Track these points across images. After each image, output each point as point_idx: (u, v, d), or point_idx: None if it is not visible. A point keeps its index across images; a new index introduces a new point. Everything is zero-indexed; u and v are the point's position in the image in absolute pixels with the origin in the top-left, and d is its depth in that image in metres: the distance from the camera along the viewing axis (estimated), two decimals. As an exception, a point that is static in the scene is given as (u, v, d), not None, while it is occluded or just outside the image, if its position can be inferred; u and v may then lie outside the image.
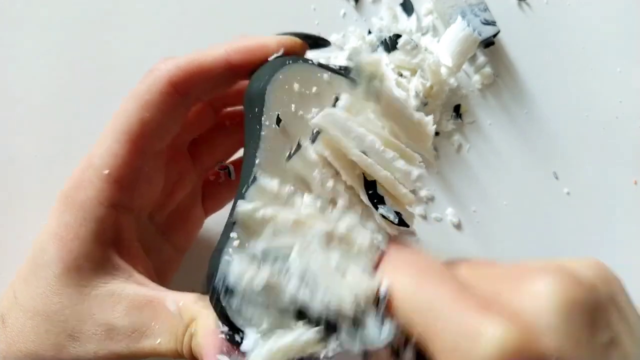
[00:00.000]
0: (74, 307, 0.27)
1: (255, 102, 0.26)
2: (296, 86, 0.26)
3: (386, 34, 0.43)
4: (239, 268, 0.23)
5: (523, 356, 0.20)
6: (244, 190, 0.25)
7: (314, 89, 0.27)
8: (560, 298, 0.21)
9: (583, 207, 0.45)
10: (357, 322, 0.24)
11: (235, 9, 0.43)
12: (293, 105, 0.26)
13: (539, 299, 0.21)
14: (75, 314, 0.27)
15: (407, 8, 0.45)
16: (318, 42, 0.31)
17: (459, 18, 0.43)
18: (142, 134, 0.28)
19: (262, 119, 0.25)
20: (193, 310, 0.26)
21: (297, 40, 0.29)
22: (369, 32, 0.44)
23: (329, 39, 0.31)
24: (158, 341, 0.26)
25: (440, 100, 0.43)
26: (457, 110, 0.44)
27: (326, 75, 0.27)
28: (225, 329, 0.24)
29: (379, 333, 0.24)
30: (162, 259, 0.33)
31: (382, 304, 0.24)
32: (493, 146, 0.45)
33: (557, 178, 0.45)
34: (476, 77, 0.45)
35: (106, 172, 0.28)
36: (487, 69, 0.45)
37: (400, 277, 0.24)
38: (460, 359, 0.21)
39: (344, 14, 0.45)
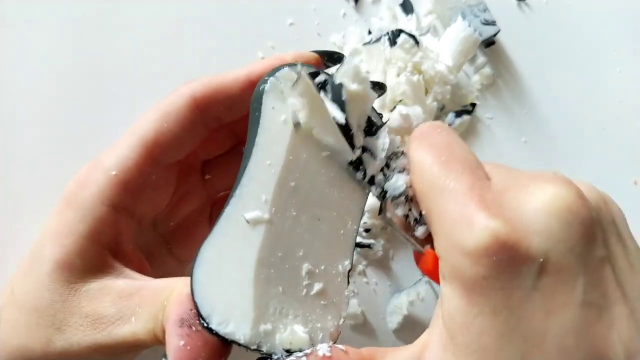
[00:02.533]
0: (63, 302, 0.27)
1: (254, 103, 0.26)
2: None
3: (388, 30, 0.43)
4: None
5: (509, 249, 0.21)
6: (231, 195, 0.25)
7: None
8: (561, 204, 0.21)
9: (583, 207, 0.45)
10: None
11: (235, 10, 0.43)
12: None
13: (541, 201, 0.22)
14: (64, 308, 0.27)
15: (407, 8, 0.45)
16: (333, 57, 0.31)
17: (459, 19, 0.43)
18: (157, 143, 0.28)
19: (260, 119, 0.26)
20: (171, 286, 0.26)
21: (313, 54, 0.30)
22: (369, 32, 0.44)
23: (342, 53, 0.32)
24: (138, 325, 0.26)
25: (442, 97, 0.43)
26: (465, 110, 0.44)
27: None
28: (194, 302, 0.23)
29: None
30: (165, 269, 0.33)
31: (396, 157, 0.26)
32: (493, 146, 0.45)
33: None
34: (476, 78, 0.45)
35: (114, 172, 0.28)
36: (487, 69, 0.45)
37: (427, 151, 0.25)
38: (452, 243, 0.22)
39: (344, 14, 0.45)
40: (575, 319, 0.21)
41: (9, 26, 0.41)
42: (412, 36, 0.41)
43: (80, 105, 0.40)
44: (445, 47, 0.43)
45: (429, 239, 0.26)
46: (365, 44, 0.43)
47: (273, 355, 0.24)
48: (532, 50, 0.47)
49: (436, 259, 0.25)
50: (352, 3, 0.45)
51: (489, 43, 0.45)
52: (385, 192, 0.26)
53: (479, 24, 0.44)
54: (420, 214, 0.26)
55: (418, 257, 0.29)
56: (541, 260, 0.21)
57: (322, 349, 0.24)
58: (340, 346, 0.24)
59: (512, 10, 0.47)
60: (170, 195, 0.32)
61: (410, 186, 0.26)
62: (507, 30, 0.45)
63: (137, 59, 0.41)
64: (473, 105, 0.44)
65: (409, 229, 0.27)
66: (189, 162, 0.33)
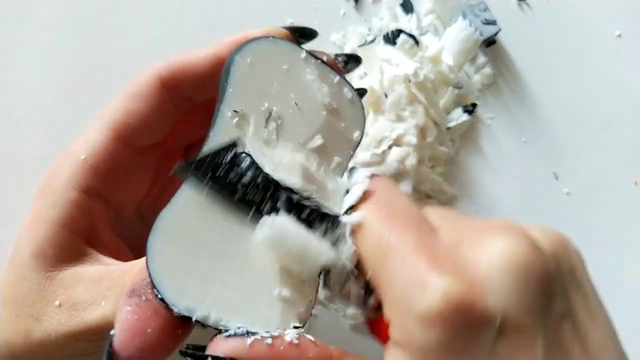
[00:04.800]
0: (40, 292, 0.27)
1: (223, 75, 0.25)
2: (263, 60, 0.26)
3: (385, 31, 0.43)
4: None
5: (465, 312, 0.19)
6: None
7: (285, 66, 0.26)
8: (516, 260, 0.20)
9: (583, 207, 0.45)
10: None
11: (235, 9, 0.43)
12: (257, 79, 0.25)
13: (495, 257, 0.20)
14: (41, 298, 0.27)
15: (407, 8, 0.45)
16: (305, 33, 0.30)
17: (460, 18, 0.43)
18: (125, 125, 0.28)
19: (227, 91, 0.25)
20: (136, 264, 0.25)
21: (282, 30, 0.29)
22: (369, 32, 0.44)
23: (316, 29, 0.31)
24: (108, 307, 0.25)
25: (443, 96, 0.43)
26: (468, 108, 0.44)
27: (303, 54, 0.27)
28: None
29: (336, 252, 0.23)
30: None
31: (346, 233, 0.23)
32: (493, 146, 0.45)
33: (557, 178, 0.45)
34: (476, 77, 0.45)
35: (83, 157, 0.27)
36: (487, 69, 0.45)
37: (370, 213, 0.23)
38: (402, 308, 0.20)
39: (344, 13, 0.45)
40: None
41: (9, 26, 0.41)
42: (412, 36, 0.41)
43: (80, 105, 0.40)
44: (446, 47, 0.43)
45: (378, 306, 0.24)
46: (360, 46, 0.43)
47: (230, 330, 0.22)
48: (532, 49, 0.46)
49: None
50: (352, 3, 0.45)
51: (490, 43, 0.45)
52: (328, 271, 0.24)
53: (479, 24, 0.44)
54: (367, 282, 0.23)
55: (372, 326, 0.26)
56: (498, 321, 0.19)
57: (290, 334, 0.22)
58: (309, 336, 0.23)
59: (513, 10, 0.47)
60: (149, 182, 0.31)
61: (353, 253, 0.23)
62: (508, 30, 0.45)
63: (137, 58, 0.41)
64: (474, 105, 0.44)
65: (356, 301, 0.24)
66: (169, 147, 0.32)
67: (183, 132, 0.32)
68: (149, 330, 0.21)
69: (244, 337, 0.21)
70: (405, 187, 0.40)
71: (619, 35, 0.47)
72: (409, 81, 0.40)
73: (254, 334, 0.22)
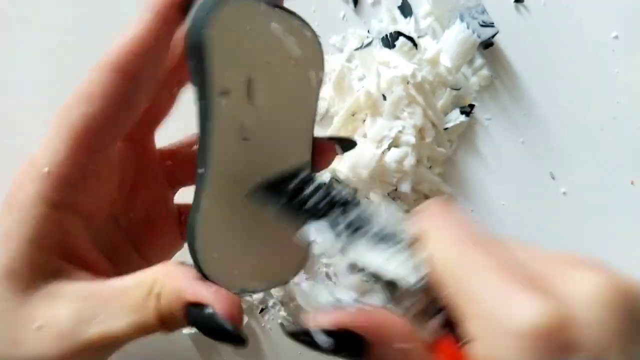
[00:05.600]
0: (14, 312, 0.25)
1: (193, 52, 0.23)
2: (232, 26, 0.23)
3: (382, 34, 0.44)
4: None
5: (560, 337, 0.19)
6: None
7: (249, 26, 0.24)
8: (615, 294, 0.19)
9: (580, 207, 0.46)
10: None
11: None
12: (231, 49, 0.23)
13: (593, 290, 0.20)
14: (17, 319, 0.25)
15: (406, 10, 0.45)
16: (347, 144, 0.30)
17: (458, 20, 0.44)
18: (88, 128, 0.26)
19: (207, 71, 0.23)
20: (152, 277, 0.24)
21: None
22: (368, 34, 0.45)
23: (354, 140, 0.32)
24: (112, 324, 0.24)
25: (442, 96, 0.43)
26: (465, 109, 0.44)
27: (262, 7, 0.25)
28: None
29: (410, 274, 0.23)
30: (131, 269, 0.28)
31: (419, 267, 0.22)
32: (490, 147, 0.45)
33: (554, 178, 0.46)
34: (474, 79, 0.46)
35: (45, 169, 0.25)
36: (485, 71, 0.46)
37: (447, 231, 0.22)
38: (495, 324, 0.20)
39: (344, 15, 0.45)
40: None
41: (9, 26, 0.41)
42: (411, 38, 0.41)
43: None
44: (444, 49, 0.43)
45: (442, 325, 0.23)
46: (357, 49, 0.43)
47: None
48: (530, 51, 0.47)
49: (455, 345, 0.22)
50: (352, 5, 0.45)
51: (487, 45, 0.46)
52: (395, 284, 0.23)
53: (477, 26, 0.44)
54: (433, 302, 0.23)
55: (434, 346, 0.25)
56: (591, 354, 0.19)
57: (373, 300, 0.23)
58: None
59: (510, 12, 0.47)
60: (118, 181, 0.29)
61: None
62: (505, 32, 0.46)
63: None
64: (471, 106, 0.44)
65: (421, 318, 0.24)
66: (131, 138, 0.30)
67: (142, 116, 0.28)
68: (235, 296, 0.23)
69: (341, 306, 0.23)
70: (404, 187, 0.41)
71: (616, 37, 0.48)
72: (407, 83, 0.40)
73: (344, 301, 0.23)
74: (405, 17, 0.45)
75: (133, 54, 0.26)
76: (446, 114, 0.44)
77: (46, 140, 0.26)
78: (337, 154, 0.30)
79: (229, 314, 0.22)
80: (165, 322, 0.24)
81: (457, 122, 0.44)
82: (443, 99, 0.43)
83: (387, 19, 0.45)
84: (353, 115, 0.41)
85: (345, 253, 0.23)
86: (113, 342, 0.25)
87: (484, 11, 0.45)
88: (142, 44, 0.26)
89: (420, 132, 0.41)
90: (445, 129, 0.43)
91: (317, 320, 0.22)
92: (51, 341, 0.24)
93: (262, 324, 0.41)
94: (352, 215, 0.24)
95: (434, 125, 0.42)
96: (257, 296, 0.41)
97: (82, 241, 0.27)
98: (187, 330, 0.39)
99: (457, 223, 0.23)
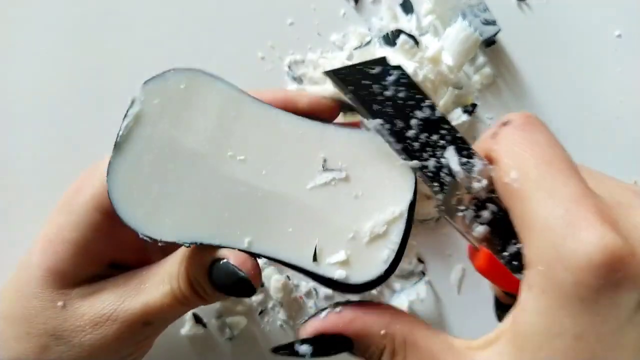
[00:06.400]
0: (54, 308, 0.27)
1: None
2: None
3: (383, 32, 0.43)
4: None
5: (623, 270, 0.19)
6: None
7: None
8: None
9: (583, 207, 0.45)
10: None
11: (235, 10, 0.43)
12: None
13: None
14: (57, 314, 0.27)
15: (407, 8, 0.45)
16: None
17: (460, 18, 0.43)
18: None
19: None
20: (181, 251, 0.27)
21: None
22: (369, 32, 0.44)
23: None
24: (151, 294, 0.26)
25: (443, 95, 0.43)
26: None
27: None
28: None
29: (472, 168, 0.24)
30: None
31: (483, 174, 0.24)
32: (493, 146, 0.45)
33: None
34: (476, 78, 0.45)
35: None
36: (487, 70, 0.45)
37: (529, 147, 0.22)
38: (556, 254, 0.20)
39: (344, 13, 0.45)
40: None
41: (9, 26, 0.41)
42: (412, 36, 0.41)
43: (80, 106, 0.40)
44: (446, 47, 0.43)
45: (484, 237, 0.24)
46: (356, 48, 0.43)
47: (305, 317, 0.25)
48: (532, 50, 0.46)
49: (491, 260, 0.24)
50: (352, 3, 0.45)
51: (489, 43, 0.45)
52: (451, 184, 0.25)
53: (479, 24, 0.44)
54: (478, 213, 0.24)
55: (473, 254, 0.27)
56: None
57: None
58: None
59: (513, 10, 0.47)
60: None
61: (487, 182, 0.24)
62: (508, 30, 0.45)
63: (136, 58, 0.41)
64: (473, 105, 0.44)
65: (465, 224, 0.25)
66: None
67: None
68: (249, 257, 0.25)
69: (317, 315, 0.24)
70: None
71: (619, 36, 0.47)
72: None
73: (323, 310, 0.24)
74: (407, 14, 0.45)
75: None
76: (448, 113, 0.43)
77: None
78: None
79: (241, 262, 0.24)
80: (195, 288, 0.26)
81: (460, 121, 0.43)
82: (445, 97, 0.43)
83: (387, 17, 0.45)
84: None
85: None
86: (156, 315, 0.26)
87: (486, 9, 0.45)
88: None
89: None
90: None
91: (298, 333, 0.24)
92: (102, 326, 0.26)
93: (262, 326, 0.41)
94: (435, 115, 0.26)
95: (435, 124, 0.42)
96: (256, 298, 0.41)
97: (130, 251, 0.29)
98: (185, 331, 0.39)
99: (541, 142, 0.23)
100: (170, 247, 0.30)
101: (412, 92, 0.26)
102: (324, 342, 0.24)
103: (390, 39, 0.42)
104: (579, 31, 0.47)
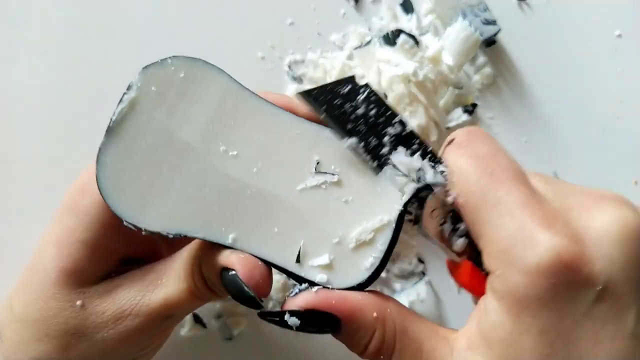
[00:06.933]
0: (73, 308, 0.27)
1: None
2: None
3: (382, 32, 0.43)
4: None
5: (573, 272, 0.20)
6: None
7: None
8: (627, 230, 0.21)
9: (583, 207, 0.45)
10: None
11: (235, 10, 0.43)
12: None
13: (606, 225, 0.21)
14: (76, 313, 0.27)
15: (407, 8, 0.45)
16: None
17: (460, 18, 0.43)
18: None
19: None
20: (196, 249, 0.27)
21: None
22: (369, 32, 0.44)
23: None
24: (170, 288, 0.27)
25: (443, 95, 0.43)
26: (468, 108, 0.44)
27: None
28: None
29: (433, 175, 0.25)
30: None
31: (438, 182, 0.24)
32: (493, 146, 0.45)
33: (557, 178, 0.45)
34: (476, 77, 0.45)
35: None
36: (487, 69, 0.45)
37: (472, 161, 0.23)
38: (509, 259, 0.21)
39: (344, 13, 0.45)
40: (623, 351, 0.20)
41: (9, 26, 0.40)
42: (412, 36, 0.41)
43: (80, 106, 0.40)
44: (446, 47, 0.43)
45: (464, 250, 0.25)
46: (356, 48, 0.43)
47: (295, 289, 0.25)
48: (533, 50, 0.46)
49: (473, 271, 0.24)
50: (352, 3, 0.45)
51: (490, 43, 0.45)
52: (423, 201, 0.25)
53: (479, 24, 0.44)
54: (455, 226, 0.25)
55: (453, 268, 0.28)
56: (600, 287, 0.20)
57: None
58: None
59: (513, 10, 0.47)
60: None
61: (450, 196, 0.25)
62: (508, 30, 0.45)
63: (136, 58, 0.41)
64: (474, 105, 0.44)
65: (444, 238, 0.26)
66: None
67: None
68: (260, 263, 0.24)
69: (309, 289, 0.24)
70: None
71: (619, 35, 0.47)
72: (409, 81, 0.40)
73: (315, 285, 0.25)
74: (407, 14, 0.45)
75: None
76: (448, 113, 0.43)
77: None
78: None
79: (250, 275, 0.24)
80: (209, 286, 0.26)
81: (460, 121, 0.43)
82: (445, 97, 0.43)
83: (388, 17, 0.45)
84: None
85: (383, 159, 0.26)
86: (176, 309, 0.27)
87: (486, 9, 0.45)
88: None
89: (423, 132, 0.41)
90: (448, 128, 0.43)
91: (287, 304, 0.24)
92: (124, 320, 0.27)
93: (261, 326, 0.41)
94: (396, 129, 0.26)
95: (436, 124, 0.42)
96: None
97: (140, 242, 0.30)
98: (185, 332, 0.39)
99: (483, 155, 0.24)
100: (178, 241, 0.31)
101: (382, 108, 0.26)
102: (312, 317, 0.24)
103: (391, 38, 0.42)
104: (579, 31, 0.47)
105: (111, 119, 0.25)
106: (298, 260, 0.25)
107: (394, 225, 0.25)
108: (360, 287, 0.25)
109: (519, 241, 0.21)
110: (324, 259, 0.25)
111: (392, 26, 0.44)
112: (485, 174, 0.23)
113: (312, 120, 0.27)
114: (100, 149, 0.25)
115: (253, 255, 0.25)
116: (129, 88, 0.25)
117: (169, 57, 0.26)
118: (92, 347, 0.27)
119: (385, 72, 0.40)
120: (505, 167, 0.23)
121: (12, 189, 0.39)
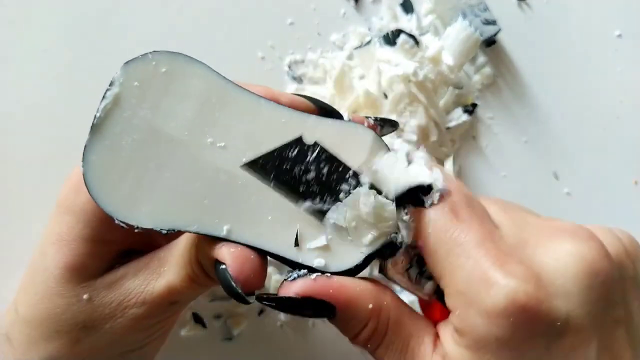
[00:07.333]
0: (79, 302, 0.27)
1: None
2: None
3: (382, 32, 0.43)
4: None
5: (530, 312, 0.20)
6: None
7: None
8: (583, 266, 0.20)
9: (583, 207, 0.45)
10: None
11: (235, 9, 0.43)
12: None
13: (562, 261, 0.21)
14: (84, 307, 0.27)
15: (407, 8, 0.45)
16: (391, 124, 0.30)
17: (460, 18, 0.43)
18: None
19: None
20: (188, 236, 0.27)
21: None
22: (369, 32, 0.44)
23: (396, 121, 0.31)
24: (172, 275, 0.27)
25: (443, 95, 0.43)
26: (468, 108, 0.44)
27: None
28: None
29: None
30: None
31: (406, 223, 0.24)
32: (493, 146, 0.45)
33: (557, 178, 0.45)
34: (476, 77, 0.45)
35: None
36: (487, 69, 0.45)
37: (435, 206, 0.23)
38: (468, 300, 0.21)
39: (344, 13, 0.45)
40: None
41: (9, 26, 0.40)
42: (412, 36, 0.41)
43: (80, 106, 0.40)
44: (446, 47, 0.43)
45: (433, 290, 0.25)
46: (356, 48, 0.43)
47: (294, 274, 0.25)
48: (533, 49, 0.46)
49: (444, 311, 0.24)
50: (352, 2, 0.45)
51: (490, 43, 0.45)
52: (386, 251, 0.25)
53: (479, 24, 0.44)
54: (422, 269, 0.25)
55: (425, 307, 0.28)
56: (559, 324, 0.20)
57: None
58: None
59: (513, 10, 0.47)
60: None
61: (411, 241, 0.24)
62: (508, 30, 0.45)
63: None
64: (474, 105, 0.44)
65: (411, 282, 0.25)
66: None
67: None
68: (252, 257, 0.24)
69: (307, 276, 0.24)
70: None
71: (619, 35, 0.47)
72: (409, 81, 0.40)
73: (314, 271, 0.25)
74: (407, 14, 0.45)
75: None
76: (448, 112, 0.43)
77: None
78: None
79: (239, 270, 0.24)
80: (207, 274, 0.26)
81: (460, 121, 0.43)
82: (445, 97, 0.43)
83: (388, 17, 0.45)
84: (354, 113, 0.41)
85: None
86: (180, 295, 0.27)
87: (486, 9, 0.45)
88: None
89: (423, 132, 0.41)
90: (448, 128, 0.43)
91: (285, 289, 0.24)
92: (121, 311, 0.27)
93: (261, 326, 0.41)
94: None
95: (436, 124, 0.42)
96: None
97: (136, 234, 0.29)
98: (185, 332, 0.39)
99: (454, 193, 0.23)
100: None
101: (335, 164, 0.26)
102: (309, 304, 0.24)
103: (391, 38, 0.42)
104: (579, 31, 0.47)
105: (95, 116, 0.25)
106: (297, 243, 0.25)
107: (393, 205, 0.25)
108: (357, 268, 0.25)
109: (474, 282, 0.21)
110: (321, 241, 0.25)
111: (392, 26, 0.44)
112: (442, 213, 0.23)
113: (295, 108, 0.27)
114: (85, 147, 0.24)
115: (248, 245, 0.25)
116: (111, 84, 0.25)
117: (150, 52, 0.26)
118: (102, 337, 0.27)
119: (385, 72, 0.40)
120: (463, 204, 0.23)
121: (12, 189, 0.39)
